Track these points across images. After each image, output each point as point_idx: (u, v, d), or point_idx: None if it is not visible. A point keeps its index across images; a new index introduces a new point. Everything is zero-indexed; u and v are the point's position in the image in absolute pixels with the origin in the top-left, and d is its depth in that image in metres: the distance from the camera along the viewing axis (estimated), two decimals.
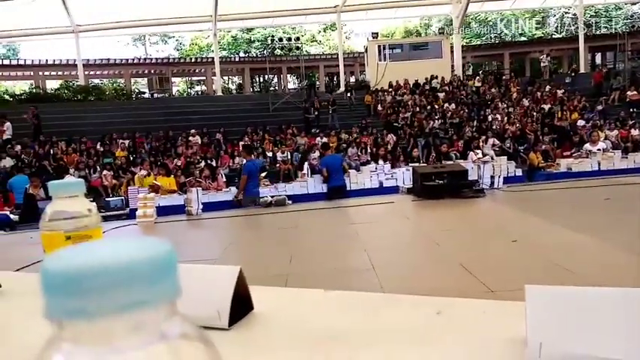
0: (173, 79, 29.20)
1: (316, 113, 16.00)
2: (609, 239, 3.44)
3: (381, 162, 11.45)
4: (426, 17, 30.60)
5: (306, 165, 10.93)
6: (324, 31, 35.64)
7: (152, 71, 27.51)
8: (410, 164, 10.87)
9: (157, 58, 30.00)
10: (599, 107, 15.62)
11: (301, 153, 12.26)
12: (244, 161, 8.02)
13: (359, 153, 12.40)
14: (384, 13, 22.62)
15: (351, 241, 4.12)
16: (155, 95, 24.35)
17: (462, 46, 22.74)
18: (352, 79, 27.17)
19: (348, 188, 8.98)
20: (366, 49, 21.81)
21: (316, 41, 35.81)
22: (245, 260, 3.70)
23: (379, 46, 21.06)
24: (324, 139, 12.17)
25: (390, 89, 18.53)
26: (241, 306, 0.82)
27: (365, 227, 4.75)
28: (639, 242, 3.35)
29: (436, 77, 19.03)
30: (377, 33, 23.70)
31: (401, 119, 15.33)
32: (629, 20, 23.44)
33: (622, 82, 17.66)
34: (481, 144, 12.88)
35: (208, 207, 7.15)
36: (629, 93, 16.41)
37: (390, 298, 0.84)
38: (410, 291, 2.33)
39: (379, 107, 17.18)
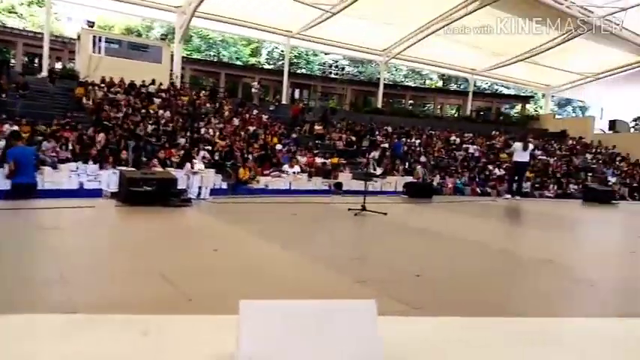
0: None
1: (4, 95, 13.48)
2: (295, 249, 3.98)
3: (90, 162, 10.42)
4: (149, 19, 29.64)
5: None
6: (29, 5, 30.61)
7: None
8: (117, 167, 10.23)
9: None
10: (294, 135, 18.02)
11: None
12: None
13: (57, 148, 10.98)
14: (104, 2, 20.87)
15: (39, 249, 3.59)
16: None
17: (183, 57, 22.89)
18: (58, 66, 24.06)
19: (39, 187, 7.79)
20: (79, 36, 19.68)
21: (16, 13, 30.37)
22: None
23: (95, 37, 19.26)
24: (15, 127, 10.35)
25: (103, 85, 17.13)
26: None
27: (57, 233, 4.21)
28: (318, 252, 3.98)
29: (153, 82, 18.57)
30: (93, 22, 21.67)
31: (112, 118, 14.31)
32: (322, 67, 27.92)
33: (313, 117, 20.90)
34: (193, 155, 13.14)
35: None
36: (316, 127, 19.49)
37: (85, 320, 0.76)
38: (108, 306, 2.18)
39: (89, 102, 15.62)
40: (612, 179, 19.94)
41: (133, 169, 10.67)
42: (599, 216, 8.98)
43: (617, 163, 22.25)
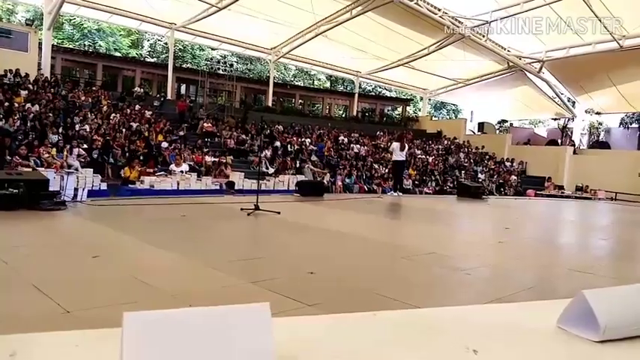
0: None
1: None
2: (185, 252, 3.80)
3: None
4: (10, 2, 26.56)
5: None
6: None
7: None
8: None
9: None
10: (182, 133, 17.32)
11: None
12: None
13: None
14: None
15: None
16: None
17: (53, 46, 20.84)
18: None
19: None
20: None
21: None
22: None
23: None
24: None
25: None
26: None
27: None
28: (210, 254, 3.84)
29: (18, 72, 16.68)
30: None
31: None
32: (209, 62, 27.19)
33: (203, 113, 20.29)
34: (65, 153, 12.05)
35: None
36: (205, 124, 18.94)
37: None
38: None
39: None
40: (481, 176, 22.03)
41: None
42: (471, 210, 9.84)
43: (486, 161, 24.61)
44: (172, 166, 13.30)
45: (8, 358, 0.60)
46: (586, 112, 28.44)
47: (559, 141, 27.84)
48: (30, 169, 9.25)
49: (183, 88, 29.72)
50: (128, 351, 0.65)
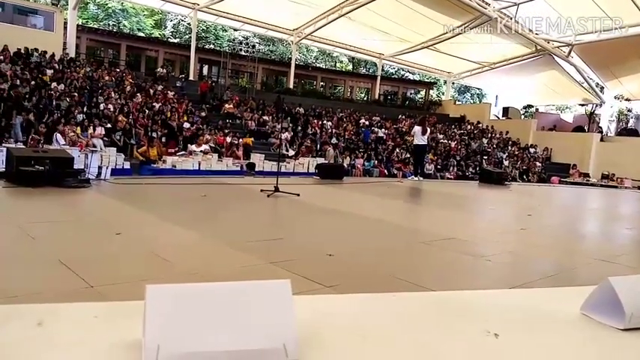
0: None
1: None
2: (206, 232, 3.84)
3: None
4: None
5: None
6: None
7: None
8: (4, 144, 9.26)
9: None
10: (203, 114, 17.41)
11: None
12: None
13: None
14: None
15: None
16: None
17: (78, 26, 21.06)
18: None
19: None
20: None
21: None
22: None
23: None
24: None
25: None
26: None
27: None
28: (230, 234, 3.88)
29: (45, 52, 16.92)
30: None
31: None
32: (231, 43, 27.15)
33: (229, 95, 20.31)
34: (90, 132, 12.25)
35: None
36: (226, 105, 19.00)
37: None
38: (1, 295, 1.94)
39: None
40: (505, 162, 21.69)
41: (23, 146, 9.74)
42: (494, 196, 9.71)
43: (510, 147, 24.19)
44: (192, 146, 13.41)
45: (36, 326, 0.61)
46: (615, 98, 27.61)
47: (586, 127, 27.15)
48: (55, 147, 9.44)
49: (205, 69, 29.78)
50: (150, 322, 0.65)
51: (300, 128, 18.82)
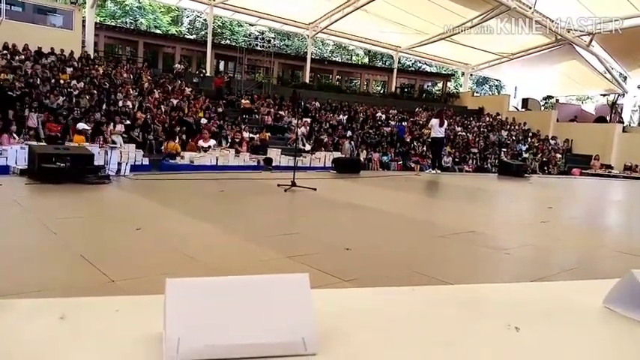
0: None
1: None
2: (224, 226, 3.87)
3: None
4: None
5: None
6: None
7: None
8: (26, 142, 9.47)
9: None
10: (220, 110, 17.51)
11: None
12: None
13: None
14: None
15: None
16: None
17: (96, 24, 21.32)
18: None
19: None
20: None
21: None
22: None
23: None
24: None
25: (5, 52, 15.57)
26: None
27: None
28: (248, 229, 3.90)
29: (63, 50, 17.17)
30: None
31: (17, 89, 13.08)
32: (247, 38, 27.22)
33: (245, 91, 20.38)
34: (110, 129, 12.42)
35: None
36: (243, 101, 19.07)
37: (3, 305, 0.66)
38: (20, 290, 1.98)
39: None
40: (525, 154, 21.38)
41: (44, 143, 9.92)
42: (513, 189, 9.59)
43: (529, 139, 23.83)
44: (200, 142, 13.43)
45: (58, 319, 0.62)
46: (638, 87, 26.96)
47: (608, 118, 26.57)
48: (75, 145, 9.58)
49: (222, 64, 29.92)
50: (171, 315, 0.66)
51: (316, 122, 18.79)
